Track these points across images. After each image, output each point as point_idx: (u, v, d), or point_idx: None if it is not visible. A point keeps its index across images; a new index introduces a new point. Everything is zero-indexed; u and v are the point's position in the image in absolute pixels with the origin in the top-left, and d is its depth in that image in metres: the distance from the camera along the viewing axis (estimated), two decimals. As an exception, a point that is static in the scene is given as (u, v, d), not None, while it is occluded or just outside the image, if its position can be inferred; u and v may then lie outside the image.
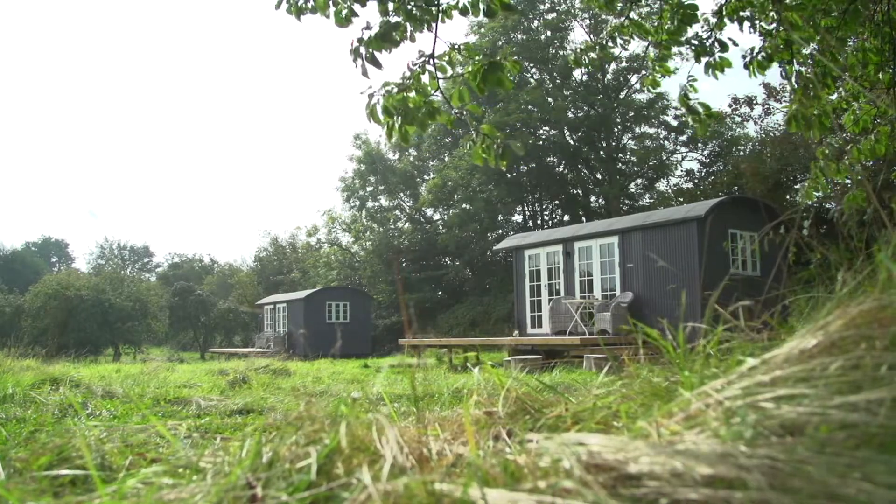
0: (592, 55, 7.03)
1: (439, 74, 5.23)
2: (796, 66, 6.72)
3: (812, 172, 7.46)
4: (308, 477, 1.37)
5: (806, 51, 6.62)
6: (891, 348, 1.36)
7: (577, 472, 1.16)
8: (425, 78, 5.14)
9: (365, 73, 5.14)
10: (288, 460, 1.62)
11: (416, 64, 5.22)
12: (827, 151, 7.45)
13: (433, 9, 5.24)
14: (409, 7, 5.16)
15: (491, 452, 1.48)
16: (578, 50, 7.13)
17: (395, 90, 5.07)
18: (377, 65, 5.10)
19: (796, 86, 6.61)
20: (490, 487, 1.28)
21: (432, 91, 5.16)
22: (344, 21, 5.20)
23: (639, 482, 1.14)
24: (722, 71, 6.67)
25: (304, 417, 1.90)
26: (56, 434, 3.17)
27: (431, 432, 1.84)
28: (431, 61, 5.22)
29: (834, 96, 7.34)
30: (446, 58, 5.23)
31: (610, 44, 7.04)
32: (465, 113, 5.47)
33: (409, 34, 5.16)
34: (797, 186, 24.41)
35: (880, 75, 6.83)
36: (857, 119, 7.08)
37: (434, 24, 5.21)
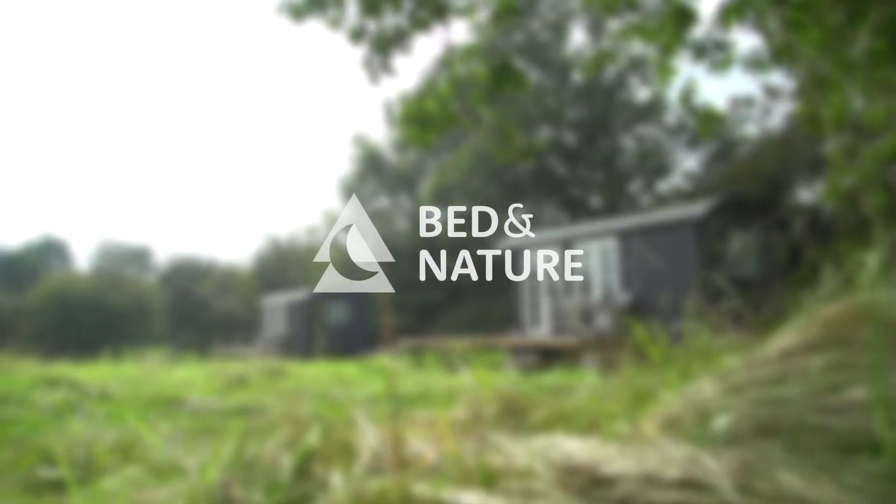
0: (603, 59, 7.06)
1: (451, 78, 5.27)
2: (802, 66, 6.70)
3: (829, 175, 7.41)
4: (284, 478, 1.37)
5: (810, 52, 6.58)
6: (867, 349, 1.36)
7: (550, 474, 1.16)
8: (440, 83, 5.18)
9: (375, 82, 5.17)
10: (268, 461, 1.62)
11: (430, 70, 5.26)
12: (838, 152, 7.37)
13: (442, 13, 5.27)
14: (417, 12, 5.19)
15: (469, 454, 1.48)
16: (588, 60, 7.16)
17: (412, 98, 5.12)
18: (390, 71, 5.13)
19: (803, 85, 6.62)
20: (466, 489, 1.27)
21: (449, 97, 5.19)
22: (354, 37, 5.23)
23: (611, 484, 1.14)
24: (727, 68, 6.67)
25: (287, 419, 1.90)
26: (46, 435, 3.17)
27: (414, 433, 1.84)
28: (444, 67, 5.26)
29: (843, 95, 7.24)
30: (457, 61, 5.27)
31: (615, 48, 7.07)
32: (475, 114, 5.53)
33: (414, 40, 5.19)
34: (797, 187, 24.38)
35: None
36: (873, 117, 6.95)
37: (446, 30, 5.25)
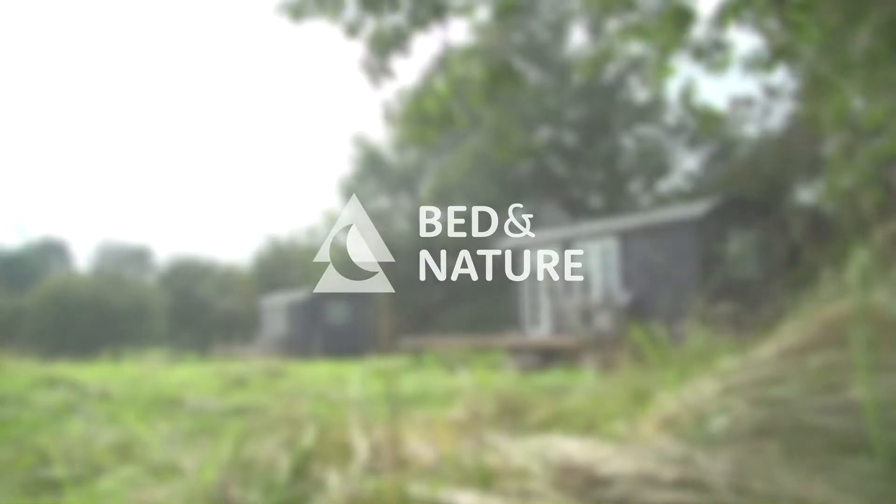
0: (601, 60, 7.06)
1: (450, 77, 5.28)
2: (801, 66, 6.70)
3: (827, 175, 7.40)
4: (282, 478, 1.38)
5: (810, 52, 6.57)
6: (865, 349, 1.36)
7: (546, 475, 1.16)
8: (439, 82, 5.19)
9: (375, 85, 5.18)
10: (265, 461, 1.62)
11: (428, 69, 5.27)
12: (837, 152, 7.35)
13: (440, 13, 5.28)
14: (416, 11, 5.21)
15: (466, 454, 1.49)
16: (586, 61, 7.19)
17: (411, 98, 5.13)
18: (389, 74, 5.15)
19: (804, 85, 6.63)
20: (463, 489, 1.27)
21: (447, 97, 5.21)
22: (351, 31, 5.24)
23: (608, 484, 1.15)
24: (724, 69, 6.67)
25: (285, 419, 1.90)
26: (44, 436, 3.17)
27: (411, 434, 1.84)
28: (442, 67, 5.27)
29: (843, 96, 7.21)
30: (456, 62, 5.28)
31: (613, 48, 7.05)
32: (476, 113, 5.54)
33: (413, 41, 5.20)
34: (797, 186, 24.38)
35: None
36: (872, 117, 6.92)
37: (444, 29, 5.26)
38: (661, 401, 1.63)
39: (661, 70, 6.89)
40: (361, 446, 1.48)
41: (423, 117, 5.15)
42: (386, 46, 5.22)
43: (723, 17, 6.30)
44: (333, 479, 1.27)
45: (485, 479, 1.33)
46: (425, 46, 5.99)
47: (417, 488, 1.22)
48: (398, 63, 5.28)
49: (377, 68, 5.26)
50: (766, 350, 1.60)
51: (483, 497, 1.17)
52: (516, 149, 5.26)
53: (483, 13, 5.86)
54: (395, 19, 5.23)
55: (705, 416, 1.38)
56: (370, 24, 5.43)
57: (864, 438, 1.14)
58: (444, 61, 5.19)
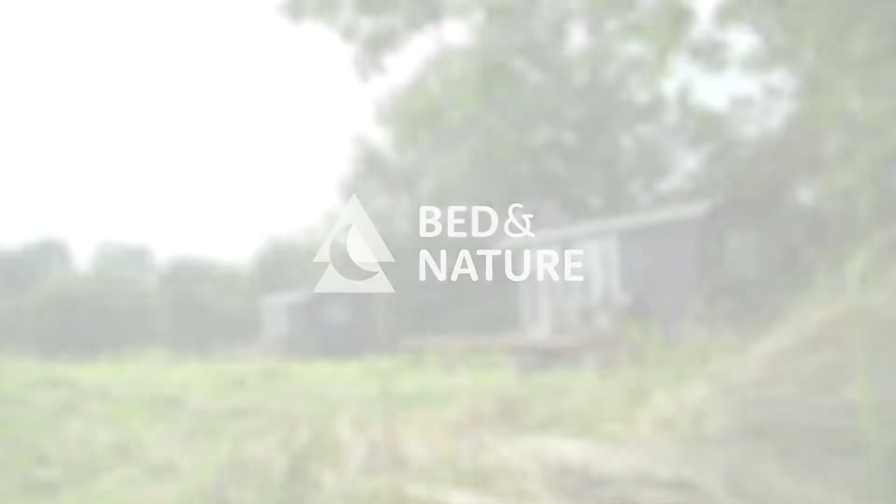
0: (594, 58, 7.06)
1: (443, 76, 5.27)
2: (801, 66, 6.68)
3: (826, 175, 7.38)
4: (278, 478, 1.38)
5: (808, 52, 6.55)
6: (862, 349, 1.36)
7: (542, 475, 1.17)
8: (431, 82, 5.19)
9: (364, 79, 5.18)
10: (262, 461, 1.63)
11: (422, 69, 5.28)
12: (836, 152, 7.33)
13: (436, 15, 5.27)
14: (412, 12, 5.20)
15: (463, 454, 1.49)
16: (584, 58, 7.20)
17: (403, 95, 5.15)
18: (380, 70, 5.15)
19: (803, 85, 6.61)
20: (459, 489, 1.28)
21: (438, 96, 5.20)
22: (347, 35, 5.24)
23: (604, 484, 1.15)
24: (723, 69, 6.66)
25: (283, 419, 1.90)
26: (43, 435, 3.18)
27: (409, 434, 1.84)
28: (437, 66, 5.27)
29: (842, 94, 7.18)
30: (455, 62, 5.27)
31: (611, 46, 7.07)
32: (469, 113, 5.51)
33: (407, 38, 5.19)
34: (797, 186, 24.38)
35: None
36: (871, 117, 6.90)
37: (439, 29, 5.25)
38: (659, 401, 1.63)
39: (658, 70, 6.87)
40: (357, 446, 1.48)
41: (415, 116, 5.15)
42: (379, 45, 5.21)
43: (722, 17, 6.29)
44: (329, 479, 1.27)
45: (481, 480, 1.33)
46: (418, 44, 5.98)
47: (414, 488, 1.23)
48: (389, 60, 5.28)
49: (367, 64, 5.26)
50: (763, 350, 1.60)
51: (479, 497, 1.18)
52: (511, 147, 5.28)
53: (479, 15, 5.85)
54: (390, 20, 5.22)
55: (701, 416, 1.38)
56: (366, 27, 5.42)
57: (860, 439, 1.14)
58: (439, 61, 5.20)
